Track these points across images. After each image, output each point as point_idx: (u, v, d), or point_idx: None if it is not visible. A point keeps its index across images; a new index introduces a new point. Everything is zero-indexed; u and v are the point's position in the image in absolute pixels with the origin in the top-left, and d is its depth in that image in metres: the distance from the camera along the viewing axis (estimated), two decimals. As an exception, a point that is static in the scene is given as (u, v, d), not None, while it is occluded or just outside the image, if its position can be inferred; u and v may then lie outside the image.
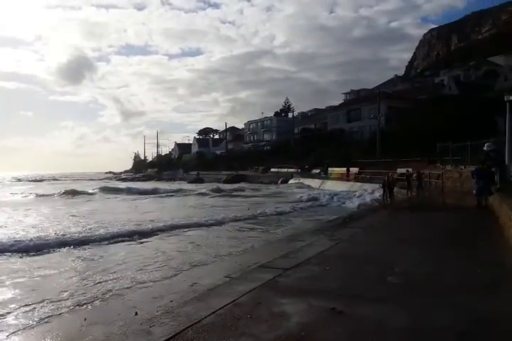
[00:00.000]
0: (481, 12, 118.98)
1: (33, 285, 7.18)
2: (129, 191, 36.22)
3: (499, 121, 24.15)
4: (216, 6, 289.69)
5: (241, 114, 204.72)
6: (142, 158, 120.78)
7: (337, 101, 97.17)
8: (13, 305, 6.01)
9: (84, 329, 4.83)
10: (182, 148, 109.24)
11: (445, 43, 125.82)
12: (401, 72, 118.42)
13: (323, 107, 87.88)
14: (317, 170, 45.08)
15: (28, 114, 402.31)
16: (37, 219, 16.89)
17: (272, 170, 57.15)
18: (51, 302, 6.13)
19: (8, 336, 4.84)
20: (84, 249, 10.50)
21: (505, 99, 14.29)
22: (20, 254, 9.71)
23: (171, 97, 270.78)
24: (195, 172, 68.06)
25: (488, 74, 60.42)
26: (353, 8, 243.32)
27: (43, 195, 32.89)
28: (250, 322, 3.67)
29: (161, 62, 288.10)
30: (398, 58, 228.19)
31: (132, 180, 73.62)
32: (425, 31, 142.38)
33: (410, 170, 22.18)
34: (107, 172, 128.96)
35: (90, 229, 13.37)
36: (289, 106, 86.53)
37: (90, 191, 36.67)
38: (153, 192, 35.32)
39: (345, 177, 35.52)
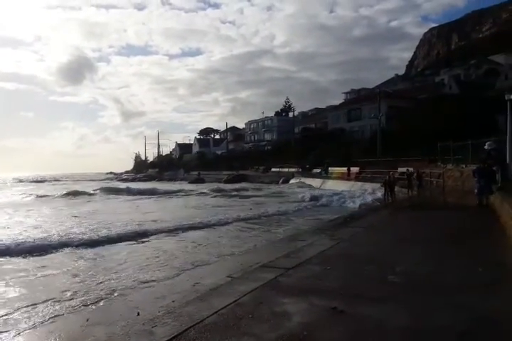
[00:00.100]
0: (482, 11, 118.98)
1: (35, 286, 7.21)
2: (130, 191, 36.22)
3: (500, 120, 24.12)
4: (216, 5, 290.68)
5: (241, 114, 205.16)
6: (143, 158, 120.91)
7: (337, 100, 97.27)
8: (15, 305, 6.03)
9: (87, 329, 4.85)
10: (183, 148, 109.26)
11: (445, 42, 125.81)
12: (401, 72, 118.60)
13: (324, 107, 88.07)
14: (318, 170, 45.08)
15: (28, 115, 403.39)
16: (39, 220, 16.91)
17: (273, 169, 57.13)
18: (54, 302, 6.15)
19: (11, 336, 4.87)
20: (87, 250, 10.52)
21: (506, 97, 14.28)
22: (23, 255, 9.72)
23: (171, 97, 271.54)
24: (196, 173, 68.09)
25: (488, 73, 60.33)
26: (353, 8, 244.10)
27: (44, 196, 32.89)
28: (252, 321, 3.68)
29: (162, 62, 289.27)
30: (398, 57, 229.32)
31: (133, 180, 73.63)
32: (425, 30, 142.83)
33: (411, 169, 22.18)
34: (107, 173, 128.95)
35: (92, 229, 13.38)
36: (289, 105, 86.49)
37: (92, 192, 36.69)
38: (155, 192, 35.31)
39: (346, 177, 35.52)
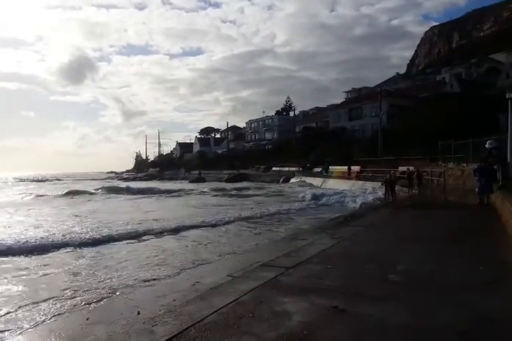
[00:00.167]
0: (483, 9, 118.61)
1: (37, 285, 7.21)
2: (132, 191, 36.24)
3: (501, 119, 24.02)
4: (217, 5, 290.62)
5: (242, 113, 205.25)
6: (144, 157, 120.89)
7: (338, 99, 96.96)
8: (17, 304, 6.04)
9: (87, 328, 4.86)
10: (183, 147, 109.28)
11: (446, 41, 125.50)
12: (402, 70, 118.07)
13: (325, 106, 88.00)
14: (319, 169, 45.05)
15: (29, 115, 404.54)
16: (41, 220, 16.91)
17: (274, 168, 57.11)
18: (55, 301, 6.16)
19: (12, 335, 4.87)
20: (88, 249, 10.52)
21: (507, 96, 14.21)
22: (25, 254, 9.73)
23: (172, 97, 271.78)
24: (196, 172, 68.08)
25: (489, 72, 60.20)
26: (354, 7, 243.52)
27: (45, 195, 32.93)
28: (252, 320, 3.68)
29: (162, 62, 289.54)
30: (399, 56, 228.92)
31: (134, 179, 73.62)
32: (426, 29, 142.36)
33: (412, 168, 22.17)
34: (108, 172, 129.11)
35: (94, 228, 13.39)
36: (290, 104, 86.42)
37: (93, 191, 36.73)
38: (156, 191, 35.31)
39: (347, 176, 35.48)
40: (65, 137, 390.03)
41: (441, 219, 10.59)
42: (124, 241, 11.52)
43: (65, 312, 5.67)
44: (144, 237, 12.12)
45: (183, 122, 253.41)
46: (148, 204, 25.80)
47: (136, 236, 12.20)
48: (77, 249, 10.45)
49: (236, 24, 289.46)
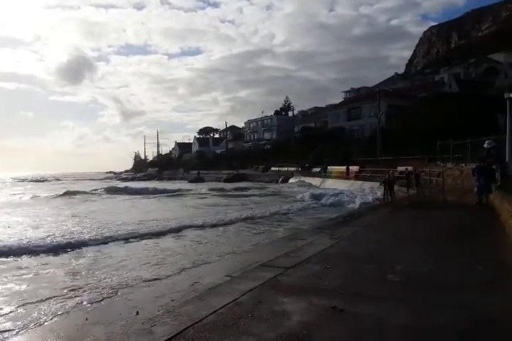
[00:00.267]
0: (481, 9, 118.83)
1: (37, 285, 7.20)
2: (131, 191, 36.22)
3: (500, 119, 24.08)
4: (215, 5, 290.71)
5: (241, 113, 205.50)
6: (142, 157, 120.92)
7: (337, 99, 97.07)
8: (16, 304, 6.04)
9: (86, 328, 4.84)
10: (182, 147, 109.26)
11: (445, 41, 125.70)
12: (401, 70, 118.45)
13: (324, 105, 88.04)
14: (317, 169, 45.09)
15: (28, 115, 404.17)
16: (40, 220, 16.87)
17: (273, 168, 57.17)
18: (54, 301, 6.15)
19: (10, 335, 4.86)
20: (87, 249, 10.51)
21: (506, 96, 14.24)
22: (25, 255, 9.70)
23: (170, 97, 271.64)
24: (195, 172, 68.05)
25: (488, 72, 60.33)
26: (353, 7, 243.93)
27: (46, 196, 32.88)
28: (251, 321, 3.67)
29: (161, 62, 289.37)
30: (398, 56, 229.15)
31: (133, 179, 73.60)
32: (425, 29, 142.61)
33: (410, 168, 22.20)
34: (107, 172, 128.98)
35: (93, 229, 13.37)
36: (289, 104, 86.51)
37: (92, 191, 36.68)
38: (155, 191, 35.29)
39: (345, 176, 35.52)
40: (64, 137, 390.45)
41: (440, 219, 10.60)
42: (123, 242, 11.50)
43: (63, 313, 5.66)
44: (143, 237, 12.10)
45: (181, 122, 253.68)
46: (147, 204, 25.78)
47: (134, 236, 12.17)
48: (76, 249, 10.44)
49: (235, 24, 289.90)
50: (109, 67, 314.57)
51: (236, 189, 36.00)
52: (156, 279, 7.35)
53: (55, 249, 10.31)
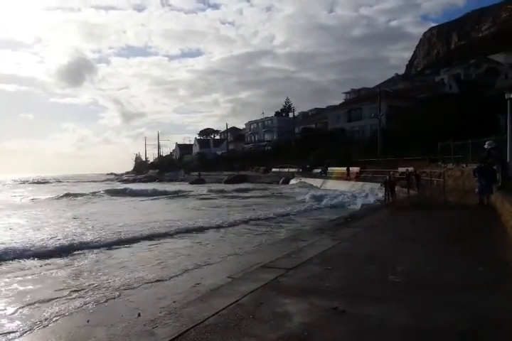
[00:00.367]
0: (481, 10, 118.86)
1: (37, 287, 7.20)
2: (132, 192, 36.26)
3: (500, 119, 24.02)
4: (216, 6, 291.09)
5: (242, 115, 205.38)
6: (143, 159, 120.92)
7: (337, 100, 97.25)
8: (18, 306, 6.05)
9: (88, 330, 4.85)
10: (183, 148, 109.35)
11: (445, 42, 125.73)
12: (401, 71, 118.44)
13: (324, 107, 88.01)
14: (318, 170, 45.08)
15: (28, 117, 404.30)
16: (41, 222, 16.87)
17: (273, 170, 57.17)
18: (56, 302, 6.15)
19: (12, 337, 4.87)
20: (89, 251, 10.51)
21: (506, 97, 14.24)
22: (27, 257, 9.68)
23: (171, 98, 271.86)
24: (196, 173, 68.09)
25: (488, 72, 60.28)
26: (353, 8, 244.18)
27: (48, 197, 32.89)
28: (253, 322, 3.68)
29: (161, 63, 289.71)
30: (398, 57, 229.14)
31: (134, 181, 73.64)
32: (425, 30, 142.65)
33: (410, 169, 22.19)
34: (108, 174, 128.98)
35: (95, 231, 13.37)
36: (289, 105, 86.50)
37: (93, 193, 36.67)
38: (156, 193, 35.24)
39: (346, 177, 35.51)
40: (65, 139, 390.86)
41: (441, 220, 10.60)
42: (126, 243, 11.49)
43: (65, 314, 5.66)
44: (145, 239, 12.09)
45: (182, 124, 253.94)
46: (148, 206, 25.79)
47: (137, 238, 12.17)
48: (78, 251, 10.43)
49: (235, 25, 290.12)
50: (109, 69, 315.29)
51: (237, 190, 35.98)
52: (158, 280, 7.35)
53: (57, 251, 10.30)
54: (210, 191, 35.55)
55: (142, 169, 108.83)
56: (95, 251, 10.54)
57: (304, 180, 42.14)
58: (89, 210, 22.15)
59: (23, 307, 5.99)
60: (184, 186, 49.10)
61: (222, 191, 35.33)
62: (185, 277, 7.50)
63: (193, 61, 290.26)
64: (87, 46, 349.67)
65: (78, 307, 5.94)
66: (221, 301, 4.25)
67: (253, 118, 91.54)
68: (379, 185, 21.04)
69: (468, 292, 4.41)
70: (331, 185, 33.76)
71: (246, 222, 15.65)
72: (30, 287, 7.22)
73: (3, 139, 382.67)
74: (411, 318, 3.69)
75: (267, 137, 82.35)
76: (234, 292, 4.58)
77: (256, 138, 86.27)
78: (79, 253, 10.24)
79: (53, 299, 6.34)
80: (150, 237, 12.36)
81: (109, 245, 11.21)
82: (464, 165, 18.60)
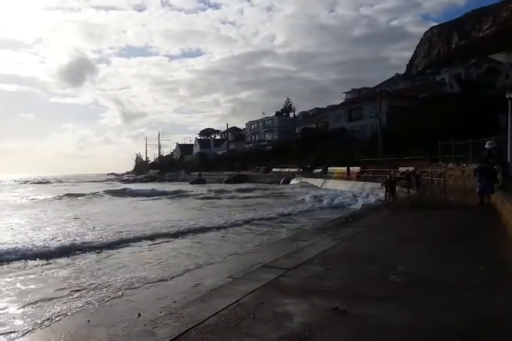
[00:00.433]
0: (482, 9, 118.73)
1: (37, 287, 7.21)
2: (132, 193, 36.22)
3: (501, 119, 24.05)
4: (216, 6, 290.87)
5: (242, 115, 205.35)
6: (144, 159, 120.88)
7: (338, 100, 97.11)
8: (18, 306, 6.06)
9: (88, 330, 4.86)
10: (183, 148, 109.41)
11: (446, 41, 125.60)
12: (402, 71, 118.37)
13: (325, 106, 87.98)
14: (319, 170, 45.07)
15: (28, 117, 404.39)
16: (43, 222, 16.87)
17: (274, 170, 57.16)
18: (56, 302, 6.16)
19: (12, 337, 4.87)
20: (90, 251, 10.51)
21: (507, 96, 14.22)
22: (29, 257, 9.68)
23: (171, 98, 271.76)
24: (197, 173, 68.08)
25: (489, 72, 60.21)
26: (353, 7, 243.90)
27: (48, 197, 32.91)
28: (253, 322, 3.68)
29: (162, 63, 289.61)
30: (399, 57, 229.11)
31: (134, 181, 73.66)
32: (426, 29, 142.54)
33: (411, 169, 22.19)
34: (109, 174, 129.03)
35: (97, 231, 13.38)
36: (290, 105, 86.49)
37: (94, 193, 36.67)
38: (156, 193, 35.19)
39: (346, 177, 35.50)
40: (65, 139, 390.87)
41: (442, 220, 10.60)
42: (127, 243, 11.49)
43: (66, 314, 5.67)
44: (146, 239, 12.10)
45: (183, 124, 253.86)
46: (149, 206, 25.79)
47: (138, 238, 12.17)
48: (80, 251, 10.44)
49: (235, 25, 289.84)
50: (110, 69, 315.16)
51: (238, 190, 35.97)
52: (159, 280, 7.35)
53: (59, 251, 10.29)
54: (211, 191, 35.54)
55: (143, 169, 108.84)
56: (96, 251, 10.55)
57: (304, 180, 42.12)
58: (89, 210, 22.17)
59: (24, 307, 6.00)
60: (185, 186, 49.11)
61: (222, 191, 35.33)
62: (185, 277, 7.50)
63: (193, 61, 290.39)
64: (88, 46, 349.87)
65: (79, 307, 5.95)
66: (222, 301, 4.25)
67: (254, 118, 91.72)
68: (380, 184, 21.02)
69: (468, 292, 4.42)
70: (332, 184, 33.75)
71: (247, 221, 15.63)
72: (32, 286, 7.23)
73: (3, 139, 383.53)
74: (411, 318, 3.69)
75: (268, 137, 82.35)
76: (234, 292, 4.59)
77: (256, 138, 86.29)
78: (80, 253, 10.24)
79: (54, 299, 6.34)
80: (151, 237, 12.35)
81: (110, 245, 11.21)
82: (465, 165, 18.59)
